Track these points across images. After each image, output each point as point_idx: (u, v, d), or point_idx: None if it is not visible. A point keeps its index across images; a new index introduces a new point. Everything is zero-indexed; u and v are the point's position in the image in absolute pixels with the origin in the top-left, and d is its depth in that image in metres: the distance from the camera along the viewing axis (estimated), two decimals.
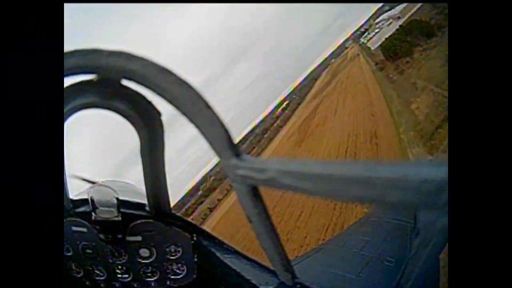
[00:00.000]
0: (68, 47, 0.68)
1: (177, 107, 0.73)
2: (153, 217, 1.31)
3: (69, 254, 1.34)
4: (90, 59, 0.69)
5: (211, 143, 0.72)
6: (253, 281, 0.94)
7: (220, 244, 1.24)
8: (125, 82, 0.78)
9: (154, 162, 1.11)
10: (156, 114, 0.95)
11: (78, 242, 1.32)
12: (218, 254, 1.17)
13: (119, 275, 1.37)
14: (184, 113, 0.72)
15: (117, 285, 1.39)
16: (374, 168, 0.40)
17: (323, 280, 0.81)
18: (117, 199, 1.26)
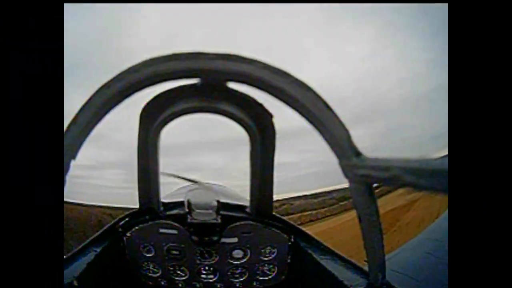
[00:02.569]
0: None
1: (295, 108, 0.72)
2: (253, 218, 1.32)
3: (150, 255, 1.34)
4: (192, 62, 0.68)
5: (330, 143, 0.72)
6: (345, 282, 0.93)
7: (317, 245, 1.23)
8: (230, 85, 0.76)
9: (263, 164, 1.11)
10: (267, 116, 0.95)
11: (164, 244, 1.33)
12: (314, 255, 1.16)
13: (203, 276, 1.37)
14: (303, 114, 0.72)
15: (197, 285, 1.39)
16: None
17: (394, 283, 0.83)
18: (218, 201, 1.28)
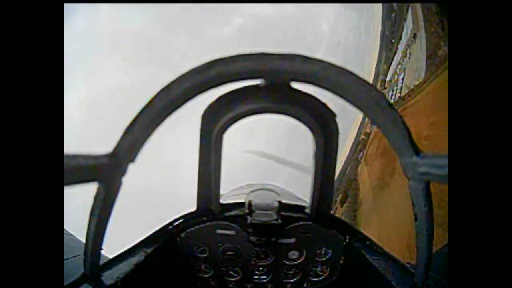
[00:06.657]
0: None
1: (359, 107, 0.72)
2: (311, 219, 1.31)
3: (204, 255, 1.34)
4: (257, 63, 0.67)
5: (392, 142, 0.73)
6: (393, 283, 0.92)
7: (371, 246, 1.21)
8: (294, 85, 0.76)
9: (327, 164, 1.11)
10: (331, 115, 0.95)
11: (220, 244, 1.33)
12: (367, 256, 1.14)
13: (256, 276, 1.37)
14: (367, 113, 0.72)
15: (248, 286, 1.38)
16: None
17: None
18: (279, 202, 1.28)
